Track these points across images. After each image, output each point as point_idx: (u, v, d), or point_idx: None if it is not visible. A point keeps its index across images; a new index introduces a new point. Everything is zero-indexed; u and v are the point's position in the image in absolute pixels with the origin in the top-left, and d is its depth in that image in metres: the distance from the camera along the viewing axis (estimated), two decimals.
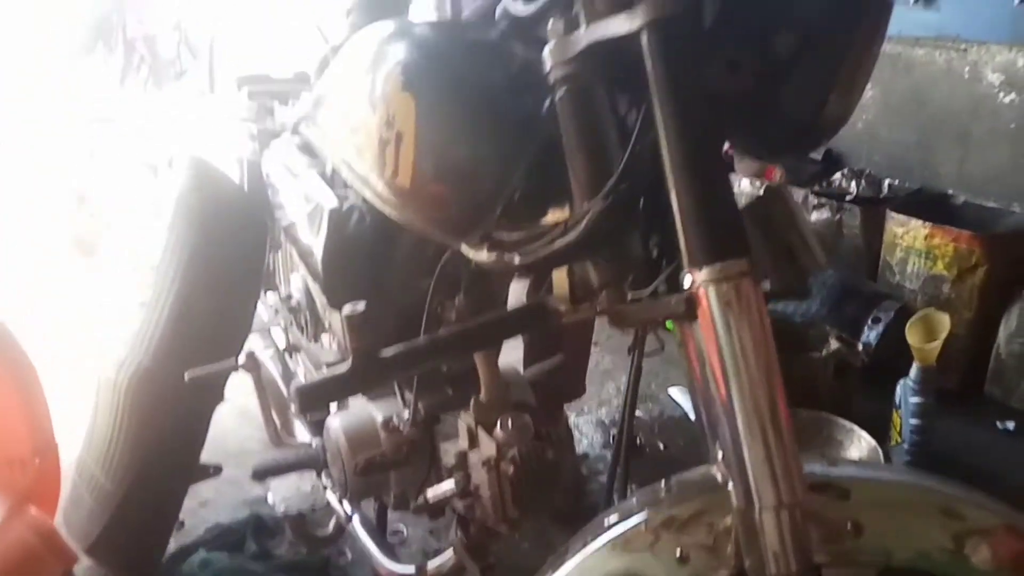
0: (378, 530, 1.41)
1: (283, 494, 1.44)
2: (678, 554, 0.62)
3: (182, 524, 1.74)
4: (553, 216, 0.81)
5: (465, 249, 0.84)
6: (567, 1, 0.69)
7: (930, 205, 2.31)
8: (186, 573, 1.62)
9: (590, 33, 0.67)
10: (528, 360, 1.29)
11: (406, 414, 1.09)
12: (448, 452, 1.09)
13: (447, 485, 1.04)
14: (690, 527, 0.63)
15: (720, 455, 0.64)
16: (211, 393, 1.40)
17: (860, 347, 2.10)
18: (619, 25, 0.63)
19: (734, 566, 0.62)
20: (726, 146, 0.76)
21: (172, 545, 1.57)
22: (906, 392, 1.88)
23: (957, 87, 2.27)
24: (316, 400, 0.76)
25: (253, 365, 1.25)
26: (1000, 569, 0.60)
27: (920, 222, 2.16)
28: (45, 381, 1.49)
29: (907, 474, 1.14)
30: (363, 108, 0.80)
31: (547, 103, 0.72)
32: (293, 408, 0.82)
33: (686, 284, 0.63)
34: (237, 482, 1.80)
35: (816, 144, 0.76)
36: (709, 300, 0.62)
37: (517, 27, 0.79)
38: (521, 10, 0.74)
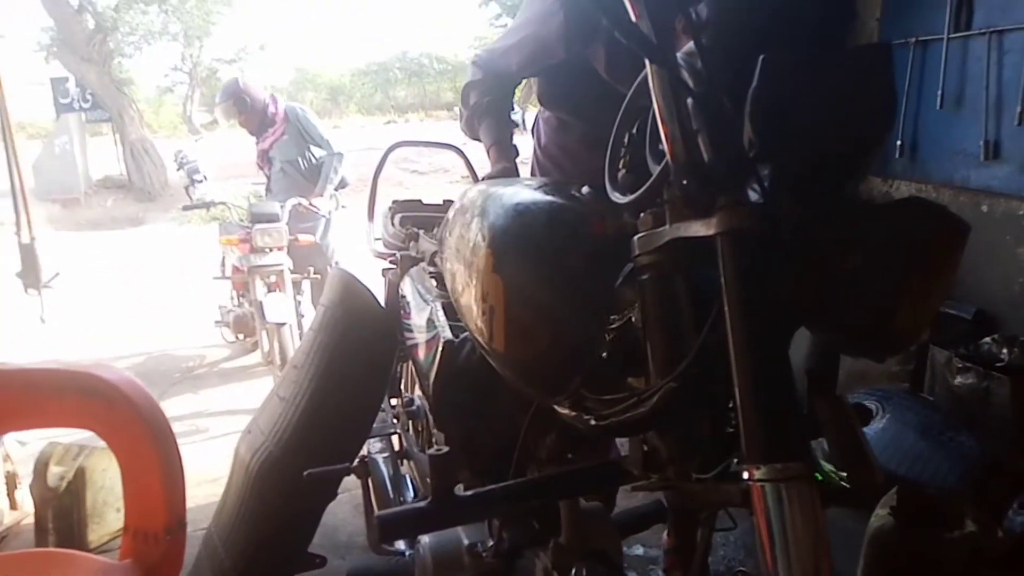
0: None
1: None
2: None
3: None
4: (635, 381, 0.86)
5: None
6: (657, 199, 0.77)
7: None
8: None
9: (674, 230, 0.74)
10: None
11: (491, 542, 1.14)
12: None
13: None
14: None
15: None
16: (326, 490, 1.52)
17: (1001, 533, 1.90)
18: (698, 229, 0.70)
19: None
20: None
21: None
22: None
23: None
24: (395, 532, 0.83)
25: (363, 471, 1.36)
26: None
27: None
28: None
29: None
30: (466, 275, 0.88)
31: (620, 279, 0.79)
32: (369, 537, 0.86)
33: (744, 476, 0.66)
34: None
35: (883, 357, 0.77)
36: (765, 497, 0.64)
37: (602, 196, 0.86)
38: (619, 199, 0.82)
